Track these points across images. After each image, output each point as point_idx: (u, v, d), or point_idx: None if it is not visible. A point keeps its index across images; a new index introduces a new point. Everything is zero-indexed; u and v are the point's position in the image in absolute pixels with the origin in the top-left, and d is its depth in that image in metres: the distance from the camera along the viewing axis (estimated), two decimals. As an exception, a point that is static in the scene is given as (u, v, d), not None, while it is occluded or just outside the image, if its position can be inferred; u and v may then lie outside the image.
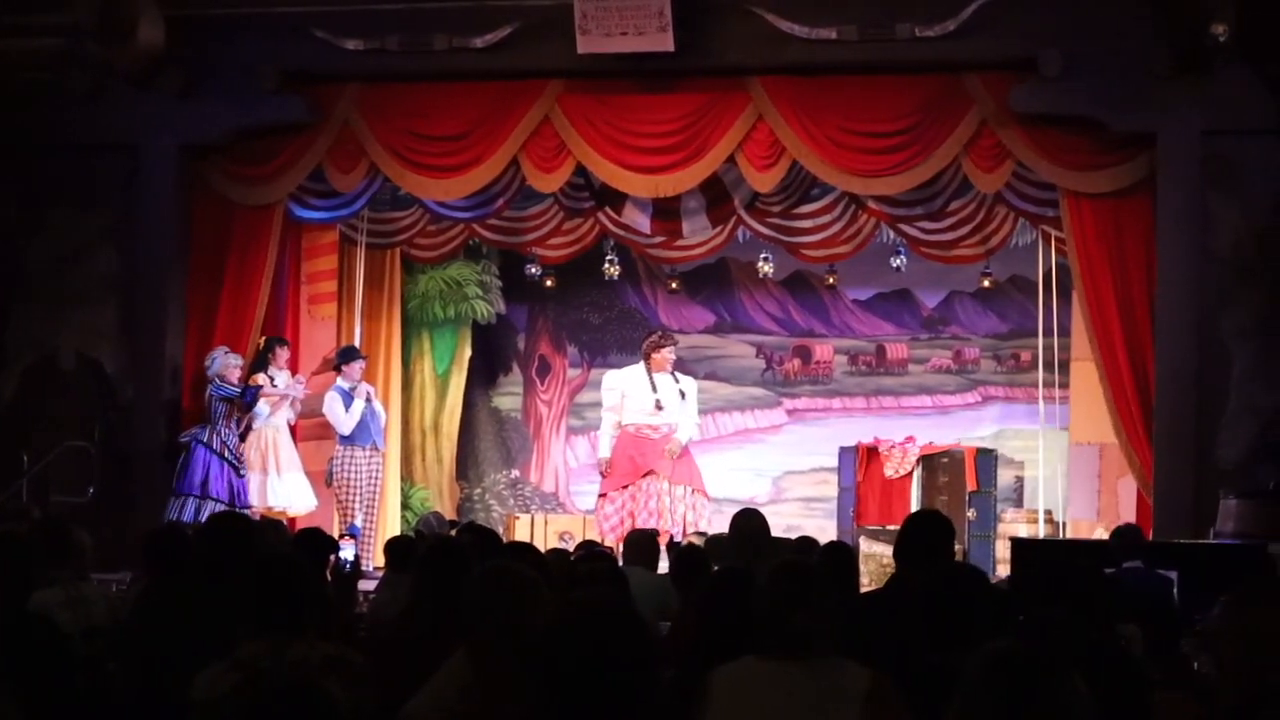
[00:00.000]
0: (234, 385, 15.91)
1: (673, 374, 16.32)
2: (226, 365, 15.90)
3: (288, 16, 15.80)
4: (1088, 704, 3.84)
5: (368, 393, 16.98)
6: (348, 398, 16.73)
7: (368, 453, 16.84)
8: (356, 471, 16.75)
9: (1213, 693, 5.35)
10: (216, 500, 15.54)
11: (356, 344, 17.92)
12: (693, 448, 16.76)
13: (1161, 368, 14.63)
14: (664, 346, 16.29)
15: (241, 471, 16.01)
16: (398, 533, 16.99)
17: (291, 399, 16.61)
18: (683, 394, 16.17)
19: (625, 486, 15.93)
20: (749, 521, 9.74)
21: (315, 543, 9.64)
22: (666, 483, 15.84)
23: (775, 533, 10.75)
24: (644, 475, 15.87)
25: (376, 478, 17.04)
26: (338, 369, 17.09)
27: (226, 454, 15.88)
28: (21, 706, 5.34)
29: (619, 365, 18.23)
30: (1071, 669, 3.85)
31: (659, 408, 16.03)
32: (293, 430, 16.84)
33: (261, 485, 16.34)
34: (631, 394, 16.19)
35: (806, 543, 10.91)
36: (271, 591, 5.82)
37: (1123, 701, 5.44)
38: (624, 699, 3.82)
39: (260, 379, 16.31)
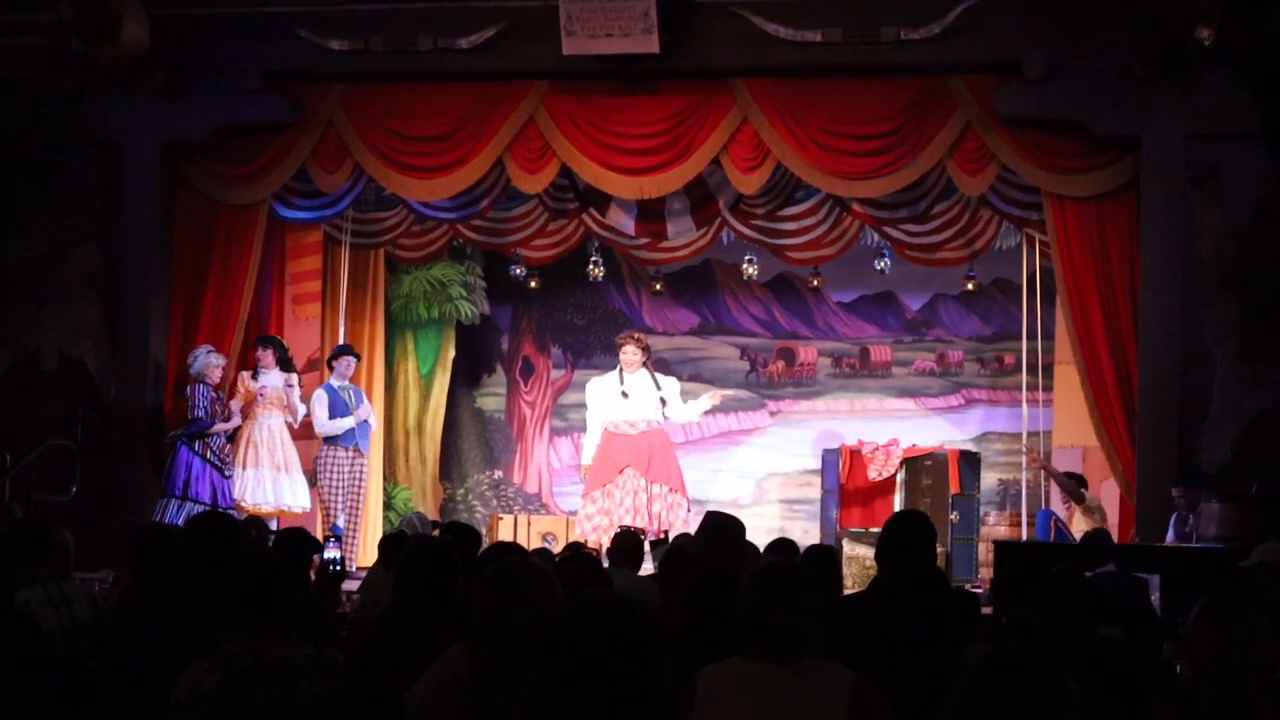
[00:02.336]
0: (203, 416, 15.84)
1: (651, 374, 16.32)
2: (208, 365, 15.85)
3: (272, 16, 15.78)
4: (1081, 707, 3.84)
5: (366, 414, 16.99)
6: (335, 396, 16.71)
7: (349, 454, 16.80)
8: (339, 472, 16.73)
9: (1191, 696, 5.36)
10: (196, 501, 15.50)
11: (341, 343, 17.93)
12: (676, 447, 16.78)
13: (1144, 371, 14.67)
14: (624, 346, 16.40)
15: (226, 472, 15.97)
16: (380, 533, 16.99)
17: (288, 402, 16.57)
18: (664, 401, 16.18)
19: (604, 485, 15.97)
20: (716, 523, 9.73)
21: (297, 542, 9.61)
22: (644, 479, 15.85)
23: (761, 535, 10.73)
24: (620, 472, 15.90)
25: (360, 479, 16.98)
26: (329, 365, 17.12)
27: (209, 455, 15.85)
28: (2, 705, 5.32)
29: (602, 366, 18.33)
30: (1065, 672, 3.85)
31: (624, 396, 16.09)
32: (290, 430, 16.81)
33: (258, 483, 16.32)
34: (604, 394, 16.29)
35: (785, 544, 10.86)
36: (253, 590, 5.81)
37: (1116, 704, 5.45)
38: (628, 691, 3.81)
39: (246, 380, 16.31)
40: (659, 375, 16.54)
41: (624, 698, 3.81)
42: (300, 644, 5.71)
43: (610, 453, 16.08)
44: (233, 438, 16.31)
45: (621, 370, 16.28)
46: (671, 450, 16.44)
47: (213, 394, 15.91)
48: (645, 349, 16.50)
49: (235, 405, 16.32)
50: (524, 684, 4.64)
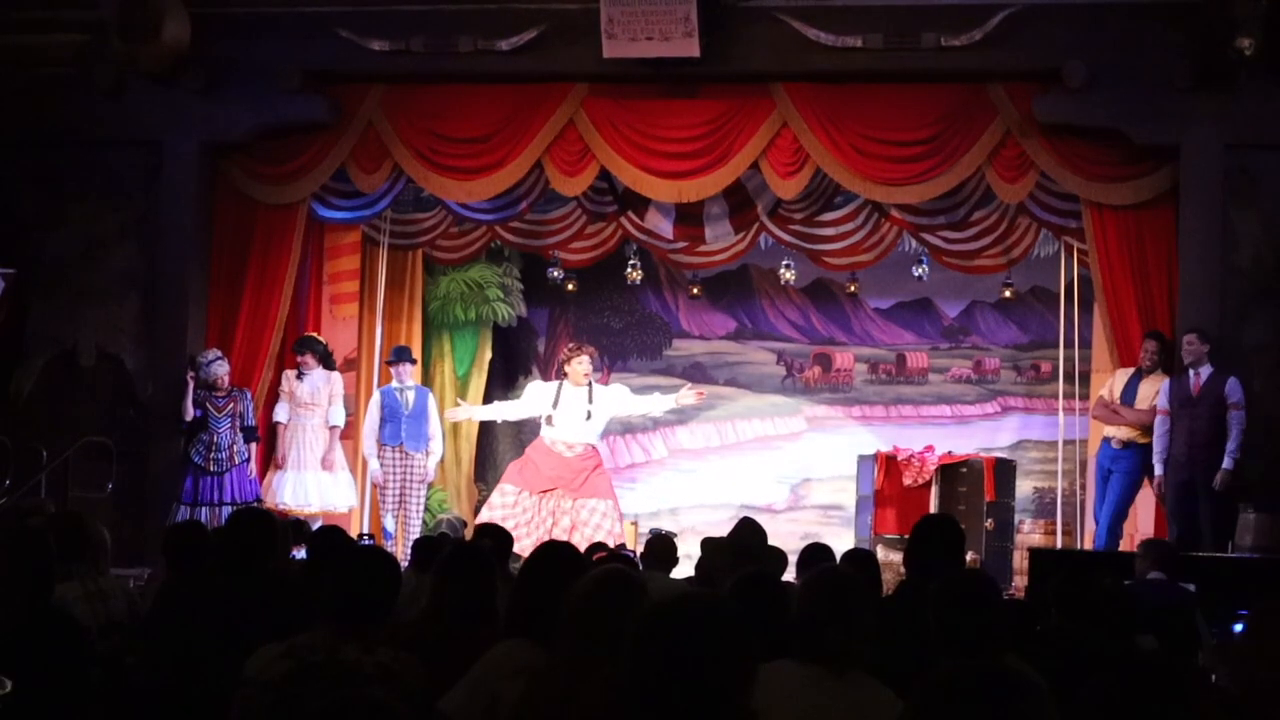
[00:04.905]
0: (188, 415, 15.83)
1: (590, 392, 16.15)
2: (213, 375, 15.78)
3: (312, 16, 15.81)
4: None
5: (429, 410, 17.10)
6: (391, 399, 16.73)
7: (394, 453, 16.77)
8: (386, 472, 16.73)
9: (1233, 704, 5.28)
10: (179, 503, 15.56)
11: (377, 345, 17.97)
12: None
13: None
14: (573, 359, 16.24)
15: (213, 468, 15.79)
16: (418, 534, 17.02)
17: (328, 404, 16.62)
18: (589, 414, 15.98)
19: (523, 489, 15.82)
20: (745, 530, 9.73)
21: (330, 541, 9.59)
22: (571, 500, 15.70)
23: (795, 541, 10.71)
24: (544, 493, 15.84)
25: (410, 479, 16.89)
26: (389, 364, 17.15)
27: (193, 453, 15.75)
28: (41, 700, 5.34)
29: (639, 370, 18.42)
30: (1039, 689, 3.36)
31: (549, 423, 16.04)
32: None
33: (299, 485, 16.34)
34: (535, 407, 16.30)
35: (820, 550, 10.79)
36: (352, 587, 5.81)
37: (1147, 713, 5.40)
38: (717, 689, 3.76)
39: (291, 379, 16.38)
40: (602, 388, 16.49)
41: (714, 694, 3.77)
42: (377, 648, 5.69)
43: (541, 464, 16.01)
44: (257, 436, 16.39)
45: (563, 385, 16.21)
46: (603, 468, 16.27)
47: (227, 381, 15.91)
48: (594, 358, 16.54)
49: (282, 406, 16.44)
50: (608, 680, 4.62)
